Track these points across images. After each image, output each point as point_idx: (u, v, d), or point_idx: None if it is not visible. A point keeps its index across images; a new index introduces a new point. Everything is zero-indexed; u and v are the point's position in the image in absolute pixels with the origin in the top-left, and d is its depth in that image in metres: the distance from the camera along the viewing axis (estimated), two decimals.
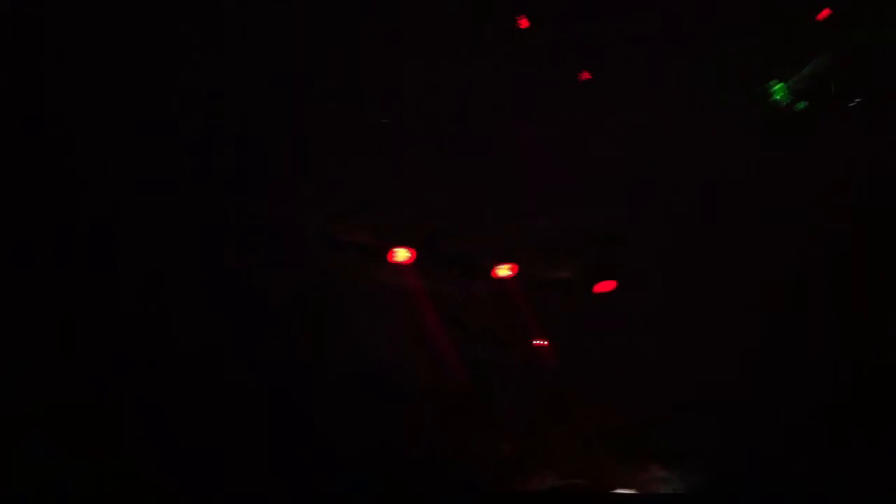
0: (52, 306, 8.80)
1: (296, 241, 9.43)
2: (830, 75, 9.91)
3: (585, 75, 10.15)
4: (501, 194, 9.87)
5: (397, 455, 9.04)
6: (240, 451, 8.78)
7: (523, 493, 9.28)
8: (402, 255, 9.61)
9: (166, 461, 8.66)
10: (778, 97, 9.95)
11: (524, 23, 10.13)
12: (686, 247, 9.75)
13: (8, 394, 8.48)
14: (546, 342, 9.76)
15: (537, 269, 9.81)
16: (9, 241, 8.77)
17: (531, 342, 9.77)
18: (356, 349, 9.34)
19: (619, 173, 9.80)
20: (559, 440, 9.52)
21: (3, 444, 8.39)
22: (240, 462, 8.74)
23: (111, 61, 9.05)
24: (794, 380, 9.38)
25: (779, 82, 9.94)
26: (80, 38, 9.00)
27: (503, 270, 9.77)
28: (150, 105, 9.16)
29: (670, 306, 9.64)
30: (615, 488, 9.28)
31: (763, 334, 9.52)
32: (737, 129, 9.87)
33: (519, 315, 9.78)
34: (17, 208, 8.88)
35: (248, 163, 9.36)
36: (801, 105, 9.94)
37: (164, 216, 9.09)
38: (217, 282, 9.14)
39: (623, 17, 10.04)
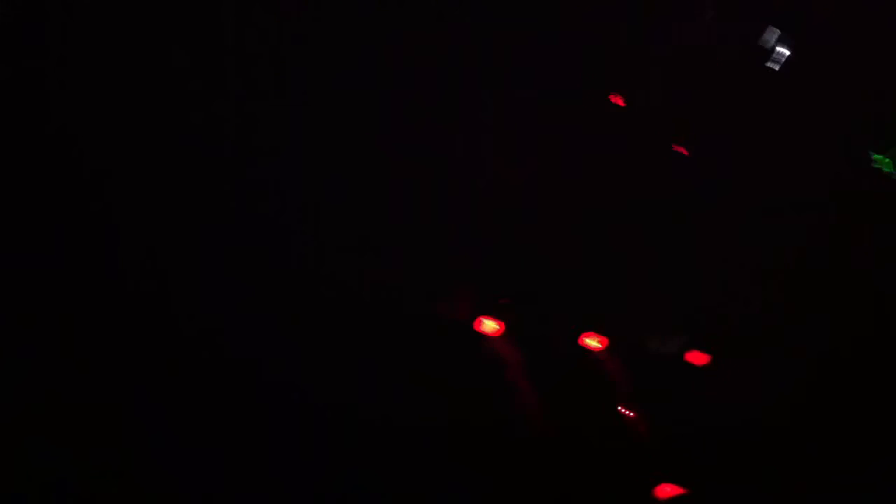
0: (52, 305, 8.78)
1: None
2: None
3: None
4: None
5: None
6: (241, 451, 8.77)
7: None
8: (489, 326, 9.53)
9: (166, 461, 8.65)
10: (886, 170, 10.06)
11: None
12: None
13: (8, 394, 8.46)
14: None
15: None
16: (9, 240, 8.76)
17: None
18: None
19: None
20: None
21: (3, 444, 8.37)
22: (241, 463, 8.73)
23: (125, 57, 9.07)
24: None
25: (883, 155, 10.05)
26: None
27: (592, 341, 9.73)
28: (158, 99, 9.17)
29: None
30: None
31: None
32: None
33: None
34: (17, 205, 8.87)
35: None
36: None
37: (168, 213, 9.09)
38: (221, 280, 9.15)
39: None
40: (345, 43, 9.67)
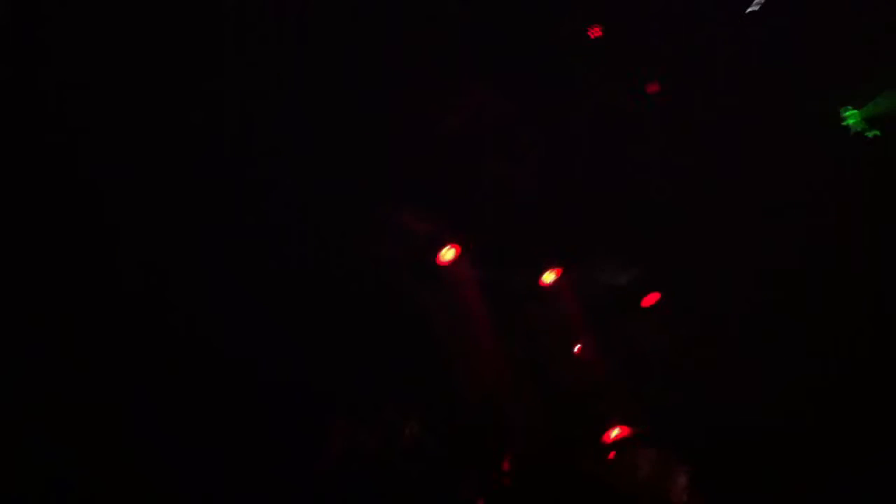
0: (53, 306, 8.77)
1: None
2: None
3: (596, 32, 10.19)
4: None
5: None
6: (241, 451, 8.76)
7: None
8: (448, 254, 9.61)
9: (166, 461, 8.64)
10: (850, 123, 10.02)
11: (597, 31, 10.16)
12: None
13: (8, 394, 8.45)
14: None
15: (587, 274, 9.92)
16: (9, 240, 8.75)
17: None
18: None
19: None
20: None
21: (3, 444, 8.36)
22: (241, 462, 8.72)
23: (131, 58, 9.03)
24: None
25: (852, 109, 10.01)
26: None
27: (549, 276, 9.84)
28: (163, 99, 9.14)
29: None
30: None
31: None
32: None
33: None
34: (17, 205, 8.84)
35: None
36: (873, 133, 10.02)
37: (168, 213, 9.07)
38: (221, 280, 9.13)
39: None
40: (344, 42, 9.66)
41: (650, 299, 10.01)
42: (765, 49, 10.09)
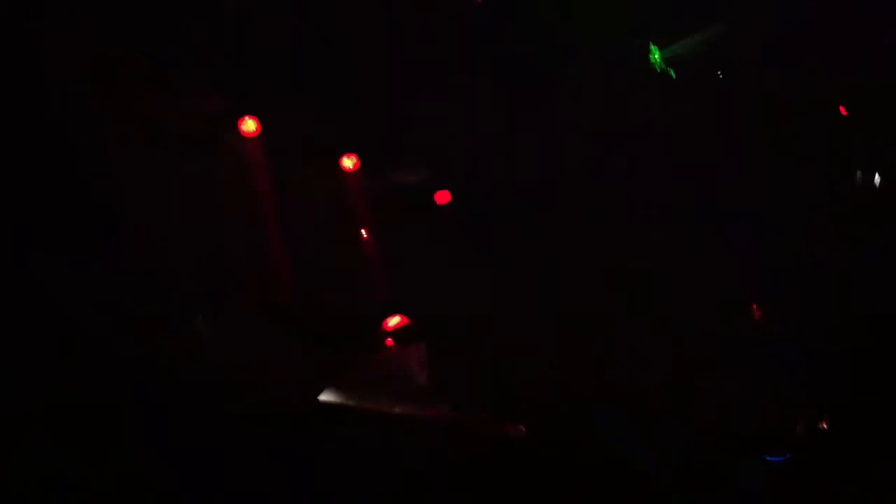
0: (53, 305, 8.76)
1: None
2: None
3: None
4: None
5: None
6: (241, 451, 8.77)
7: None
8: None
9: (166, 461, 8.64)
10: (652, 59, 10.03)
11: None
12: None
13: (8, 394, 8.44)
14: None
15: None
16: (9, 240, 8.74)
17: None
18: None
19: None
20: None
21: (3, 444, 8.35)
22: (241, 462, 8.73)
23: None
24: None
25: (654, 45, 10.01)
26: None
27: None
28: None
29: None
30: None
31: None
32: None
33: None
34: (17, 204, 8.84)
35: None
36: (671, 72, 10.03)
37: (168, 213, 9.08)
38: (220, 279, 9.13)
39: None
40: (346, 41, 9.66)
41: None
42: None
